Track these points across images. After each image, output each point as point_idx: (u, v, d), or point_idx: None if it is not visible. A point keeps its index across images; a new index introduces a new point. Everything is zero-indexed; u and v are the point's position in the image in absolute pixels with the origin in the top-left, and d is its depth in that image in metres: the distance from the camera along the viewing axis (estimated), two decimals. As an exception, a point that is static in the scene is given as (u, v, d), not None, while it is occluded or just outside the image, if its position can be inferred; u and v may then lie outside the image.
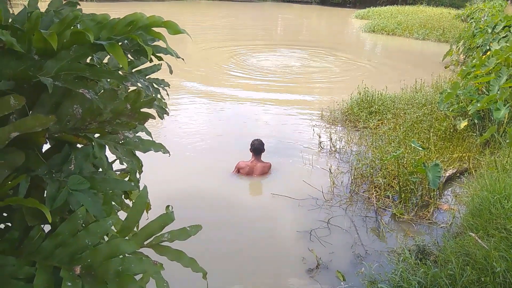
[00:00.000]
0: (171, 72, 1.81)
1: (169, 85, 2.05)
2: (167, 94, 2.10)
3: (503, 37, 10.42)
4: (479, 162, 5.26)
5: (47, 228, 1.33)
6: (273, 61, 12.99)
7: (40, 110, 1.20)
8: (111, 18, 1.34)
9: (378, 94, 7.81)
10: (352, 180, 5.12)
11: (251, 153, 5.39)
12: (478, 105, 5.80)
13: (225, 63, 12.33)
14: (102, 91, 1.25)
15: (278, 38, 20.22)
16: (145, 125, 1.56)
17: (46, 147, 1.35)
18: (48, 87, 1.06)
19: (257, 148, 5.28)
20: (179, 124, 7.13)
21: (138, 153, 1.62)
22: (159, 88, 1.95)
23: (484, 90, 6.41)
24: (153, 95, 1.82)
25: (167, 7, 30.68)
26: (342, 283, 3.46)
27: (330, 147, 6.15)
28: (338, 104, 7.88)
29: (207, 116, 7.74)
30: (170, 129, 6.86)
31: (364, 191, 4.93)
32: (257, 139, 5.36)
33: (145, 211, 1.77)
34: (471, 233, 3.40)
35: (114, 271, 1.09)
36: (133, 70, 1.87)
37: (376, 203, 4.62)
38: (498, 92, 5.80)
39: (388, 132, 6.26)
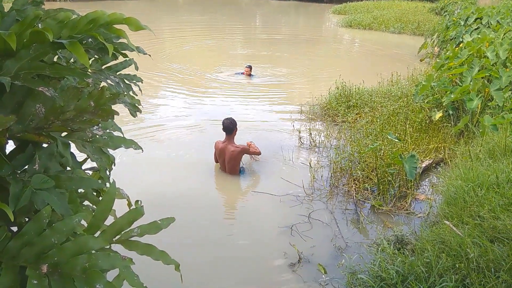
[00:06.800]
0: (136, 68, 1.80)
1: (142, 80, 2.03)
2: (140, 90, 2.07)
3: (475, 29, 10.68)
4: (454, 152, 5.37)
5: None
6: (251, 56, 13.00)
7: (1, 110, 1.19)
8: (74, 16, 1.34)
9: (355, 88, 7.89)
10: (331, 174, 5.17)
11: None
12: (452, 96, 5.92)
13: (202, 60, 12.28)
14: (66, 88, 1.24)
15: (257, 34, 20.24)
16: (129, 125, 1.54)
17: (11, 148, 1.34)
18: (6, 86, 1.05)
19: (226, 127, 5.14)
20: (158, 123, 7.07)
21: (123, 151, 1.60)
22: (131, 84, 1.93)
23: (458, 81, 6.54)
24: (124, 92, 1.80)
25: (142, 4, 30.35)
26: (323, 275, 3.50)
27: (310, 142, 6.20)
28: (317, 99, 7.93)
29: (186, 113, 7.68)
30: (149, 128, 6.81)
31: (343, 184, 4.99)
32: (227, 118, 5.21)
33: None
34: (446, 221, 3.48)
35: (81, 267, 1.09)
36: (103, 67, 1.85)
37: (355, 196, 4.68)
38: (471, 83, 5.93)
39: (366, 125, 6.33)
